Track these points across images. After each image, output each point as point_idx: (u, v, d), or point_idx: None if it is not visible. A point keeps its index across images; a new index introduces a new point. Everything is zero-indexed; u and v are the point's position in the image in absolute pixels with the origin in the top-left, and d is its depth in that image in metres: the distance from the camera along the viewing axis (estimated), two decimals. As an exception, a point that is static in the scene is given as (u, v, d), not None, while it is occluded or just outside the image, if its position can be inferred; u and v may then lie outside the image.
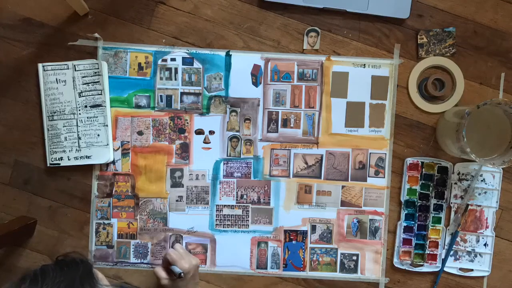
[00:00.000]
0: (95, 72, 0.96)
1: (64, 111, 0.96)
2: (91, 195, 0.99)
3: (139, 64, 0.98)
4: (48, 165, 0.97)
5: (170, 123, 0.99)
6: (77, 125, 0.96)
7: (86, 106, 0.96)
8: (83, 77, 0.96)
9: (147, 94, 0.99)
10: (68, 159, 0.97)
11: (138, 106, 0.99)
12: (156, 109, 0.99)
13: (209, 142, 0.99)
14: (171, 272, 0.90)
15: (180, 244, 0.97)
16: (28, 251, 1.00)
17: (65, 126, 0.96)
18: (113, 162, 0.98)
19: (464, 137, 0.86)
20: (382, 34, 0.99)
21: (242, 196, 0.99)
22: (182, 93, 0.99)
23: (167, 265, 0.91)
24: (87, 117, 0.96)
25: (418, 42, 0.99)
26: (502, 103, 0.89)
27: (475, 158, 0.87)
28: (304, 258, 1.00)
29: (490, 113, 0.94)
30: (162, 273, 0.90)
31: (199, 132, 0.99)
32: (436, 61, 0.99)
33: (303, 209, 1.00)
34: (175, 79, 0.99)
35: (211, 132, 0.99)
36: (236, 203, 0.99)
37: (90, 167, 0.98)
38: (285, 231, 1.00)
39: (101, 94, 0.96)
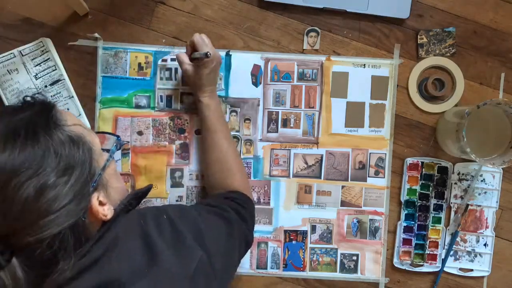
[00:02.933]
0: (42, 51, 0.96)
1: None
2: (91, 195, 0.99)
3: (139, 64, 0.98)
4: None
5: (170, 123, 0.99)
6: None
7: (46, 86, 0.97)
8: (32, 59, 0.96)
9: (147, 94, 0.99)
10: None
11: (138, 106, 0.99)
12: (156, 109, 0.99)
13: (209, 142, 0.99)
14: (194, 59, 0.89)
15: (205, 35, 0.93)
16: (28, 251, 0.99)
17: None
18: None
19: (464, 137, 0.86)
20: (382, 34, 0.99)
21: (242, 196, 0.99)
22: (182, 93, 0.99)
23: (192, 51, 0.90)
24: (51, 96, 0.97)
25: (418, 42, 0.99)
26: (502, 103, 0.89)
27: (475, 158, 0.87)
28: (304, 258, 1.00)
29: (490, 113, 0.94)
30: (185, 58, 0.89)
31: (199, 132, 0.99)
32: (436, 61, 0.99)
33: (303, 209, 1.00)
34: (175, 79, 0.99)
35: (211, 132, 0.99)
36: (236, 203, 0.99)
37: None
38: (285, 231, 1.00)
39: (56, 70, 0.96)
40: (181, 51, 0.93)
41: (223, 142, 0.89)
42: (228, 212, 0.79)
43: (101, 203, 0.61)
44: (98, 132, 0.66)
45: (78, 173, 0.57)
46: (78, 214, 0.56)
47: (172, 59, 0.98)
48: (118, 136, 0.74)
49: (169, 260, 0.60)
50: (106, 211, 0.61)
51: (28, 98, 0.63)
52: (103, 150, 0.68)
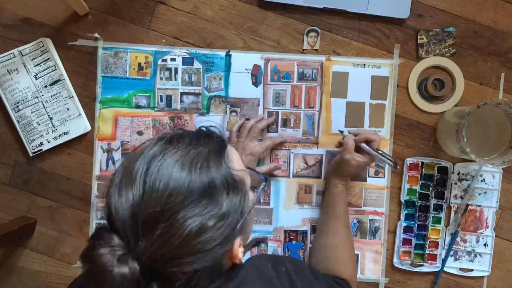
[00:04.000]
0: (42, 51, 0.96)
1: (26, 98, 0.97)
2: (91, 195, 0.99)
3: (139, 64, 0.98)
4: (31, 154, 0.97)
5: (170, 123, 0.99)
6: (44, 107, 0.97)
7: (46, 86, 0.97)
8: (32, 59, 0.97)
9: (147, 94, 0.99)
10: (48, 142, 0.97)
11: (138, 106, 0.99)
12: (156, 109, 0.99)
13: (209, 142, 0.99)
14: (361, 150, 0.91)
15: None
16: (28, 251, 1.00)
17: (33, 111, 0.97)
18: (109, 155, 0.98)
19: (464, 137, 0.86)
20: (382, 34, 0.99)
21: (242, 196, 0.99)
22: (182, 93, 0.99)
23: (361, 143, 0.92)
24: (51, 96, 0.97)
25: (418, 42, 0.99)
26: (502, 103, 0.89)
27: (475, 158, 0.87)
28: (304, 258, 1.00)
29: (490, 113, 0.94)
30: (352, 147, 0.90)
31: (199, 132, 0.99)
32: (436, 61, 0.99)
33: (303, 209, 1.00)
34: (175, 79, 0.99)
35: (211, 132, 0.99)
36: (236, 203, 0.99)
37: (91, 167, 0.98)
38: (285, 231, 1.00)
39: (56, 69, 0.97)
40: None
41: (344, 231, 0.91)
42: None
43: (240, 246, 0.61)
44: (248, 168, 0.67)
45: (231, 220, 0.57)
46: (221, 256, 0.58)
47: (172, 59, 0.98)
48: (264, 177, 0.74)
49: None
50: (241, 255, 0.61)
51: (204, 129, 0.63)
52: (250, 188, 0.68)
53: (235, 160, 0.61)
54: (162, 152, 0.56)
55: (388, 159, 0.90)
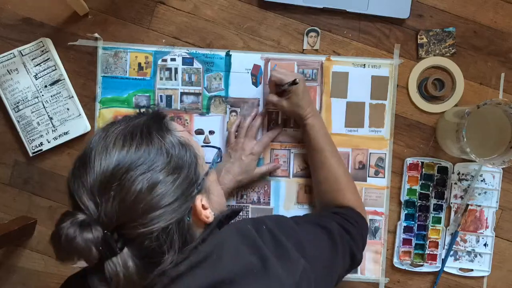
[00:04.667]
0: (42, 51, 0.96)
1: (26, 98, 0.97)
2: (91, 195, 0.99)
3: (139, 64, 0.98)
4: (31, 154, 0.97)
5: (170, 123, 0.99)
6: (44, 107, 0.97)
7: (46, 86, 0.97)
8: (32, 59, 0.97)
9: (147, 94, 0.99)
10: (48, 142, 0.97)
11: (138, 106, 0.99)
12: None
13: (209, 142, 0.99)
14: (284, 90, 0.91)
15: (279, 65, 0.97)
16: (28, 251, 1.00)
17: (33, 111, 0.97)
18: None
19: (464, 137, 0.86)
20: (382, 34, 0.99)
21: (242, 196, 0.99)
22: (182, 93, 0.99)
23: (275, 87, 0.92)
24: (51, 96, 0.97)
25: (418, 42, 0.99)
26: (502, 103, 0.89)
27: (475, 158, 0.87)
28: (304, 258, 1.00)
29: (490, 113, 0.94)
30: (274, 97, 0.92)
31: (199, 132, 0.99)
32: (436, 61, 0.99)
33: (303, 209, 1.00)
34: (175, 79, 0.99)
35: (211, 132, 0.99)
36: (236, 203, 0.99)
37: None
38: (285, 231, 1.00)
39: (56, 69, 0.97)
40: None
41: (332, 160, 0.90)
42: (330, 223, 0.79)
43: (203, 207, 0.64)
44: (202, 146, 0.71)
45: (185, 174, 0.61)
46: (183, 212, 0.60)
47: (172, 59, 0.98)
48: (219, 148, 0.77)
49: (278, 269, 0.62)
50: (209, 214, 0.64)
51: (143, 109, 0.68)
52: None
53: (177, 127, 0.66)
54: (105, 131, 0.61)
55: (289, 83, 0.88)
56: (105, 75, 0.98)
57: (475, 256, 1.00)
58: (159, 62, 0.98)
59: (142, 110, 0.68)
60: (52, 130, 0.97)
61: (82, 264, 0.57)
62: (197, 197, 0.63)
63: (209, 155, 0.70)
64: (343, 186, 0.88)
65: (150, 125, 0.63)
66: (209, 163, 0.71)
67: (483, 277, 1.01)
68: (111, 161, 0.57)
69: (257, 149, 0.94)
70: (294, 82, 0.87)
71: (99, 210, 0.56)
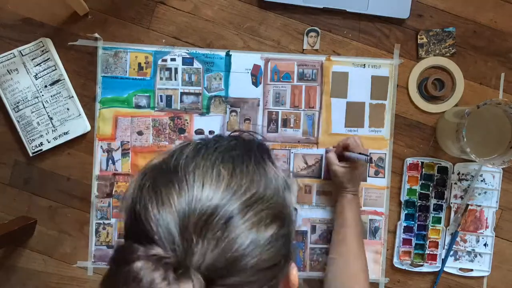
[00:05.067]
0: (43, 51, 0.96)
1: (26, 98, 0.97)
2: (91, 195, 0.99)
3: (139, 64, 0.98)
4: (31, 154, 0.97)
5: (170, 123, 0.99)
6: (44, 107, 0.97)
7: (46, 86, 0.97)
8: (32, 59, 0.97)
9: (147, 94, 0.99)
10: (48, 142, 0.97)
11: (138, 106, 0.99)
12: (156, 109, 0.99)
13: (209, 142, 0.99)
14: (345, 159, 0.91)
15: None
16: (28, 251, 1.00)
17: (33, 111, 0.97)
18: (109, 155, 0.98)
19: (464, 137, 0.86)
20: (382, 34, 0.99)
21: (242, 196, 0.99)
22: (182, 93, 0.99)
23: (342, 151, 0.92)
24: (51, 96, 0.97)
25: (418, 42, 0.99)
26: (502, 103, 0.89)
27: (475, 158, 0.87)
28: (304, 258, 1.00)
29: (490, 113, 0.94)
30: (335, 159, 0.92)
31: (199, 132, 0.99)
32: (436, 61, 0.99)
33: (303, 209, 1.00)
34: (175, 79, 0.99)
35: (211, 132, 0.99)
36: (236, 203, 0.99)
37: (91, 167, 0.98)
38: (285, 231, 1.00)
39: (56, 69, 0.96)
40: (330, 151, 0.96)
41: (355, 240, 0.89)
42: None
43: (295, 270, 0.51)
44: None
45: (288, 230, 0.47)
46: (276, 281, 0.46)
47: (172, 59, 0.98)
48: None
49: None
50: (297, 281, 0.51)
51: (236, 133, 0.54)
52: None
53: (282, 164, 0.56)
54: (203, 147, 0.47)
55: (362, 154, 0.88)
56: (105, 75, 0.98)
57: (475, 256, 1.00)
58: (159, 62, 0.98)
59: (236, 133, 0.54)
60: (52, 130, 0.97)
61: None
62: (291, 261, 0.49)
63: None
64: (359, 269, 0.87)
65: (261, 154, 0.49)
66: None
67: (483, 277, 1.01)
68: (218, 193, 0.43)
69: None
70: (369, 160, 0.86)
71: (194, 250, 0.41)
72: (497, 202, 1.00)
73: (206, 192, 0.43)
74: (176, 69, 0.98)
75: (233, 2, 0.98)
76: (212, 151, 0.47)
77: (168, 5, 0.98)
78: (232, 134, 0.54)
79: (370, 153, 0.98)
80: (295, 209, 0.54)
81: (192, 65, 0.99)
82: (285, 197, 0.48)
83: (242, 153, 0.48)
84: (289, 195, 0.49)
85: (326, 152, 0.97)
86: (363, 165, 0.91)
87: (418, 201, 0.99)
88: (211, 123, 0.99)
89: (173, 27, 0.98)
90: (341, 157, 0.93)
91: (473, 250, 1.00)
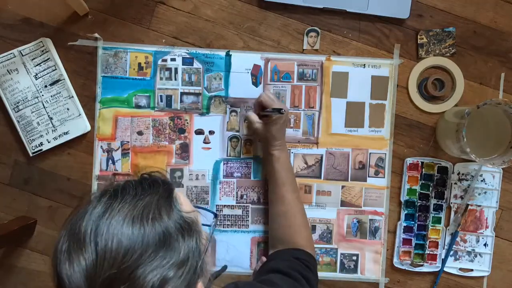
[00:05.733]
0: (42, 51, 0.96)
1: (26, 98, 0.97)
2: (91, 195, 0.99)
3: (139, 64, 0.98)
4: (31, 154, 0.97)
5: (170, 123, 0.99)
6: (44, 107, 0.97)
7: (46, 86, 0.97)
8: (32, 59, 0.97)
9: (147, 94, 0.99)
10: (48, 142, 0.97)
11: (138, 106, 0.99)
12: (156, 109, 0.99)
13: (209, 142, 0.99)
14: (263, 116, 0.91)
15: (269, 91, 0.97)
16: (28, 251, 1.00)
17: (33, 111, 0.97)
18: (109, 155, 0.98)
19: (464, 137, 0.86)
20: (382, 34, 0.99)
21: (242, 196, 0.99)
22: (182, 93, 0.99)
23: (260, 110, 0.93)
24: (51, 96, 0.97)
25: (418, 42, 0.99)
26: (502, 103, 0.89)
27: (475, 158, 0.87)
28: (304, 258, 1.00)
29: (490, 113, 0.94)
30: (255, 117, 0.92)
31: (199, 132, 0.99)
32: (436, 61, 0.99)
33: (303, 209, 1.00)
34: (175, 79, 0.99)
35: (211, 132, 0.99)
36: (236, 203, 0.99)
37: (91, 167, 0.98)
38: (285, 231, 1.00)
39: (56, 69, 0.97)
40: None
41: (292, 196, 0.91)
42: (300, 282, 0.80)
43: None
44: (196, 207, 0.66)
45: (190, 265, 0.55)
46: None
47: (172, 59, 0.98)
48: (215, 214, 0.74)
49: None
50: None
51: (147, 176, 0.61)
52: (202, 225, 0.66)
53: (184, 203, 0.60)
54: (108, 209, 0.54)
55: (275, 109, 0.88)
56: (105, 75, 0.98)
57: (475, 256, 1.00)
58: (159, 62, 0.98)
59: (145, 176, 0.61)
60: (52, 130, 0.97)
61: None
62: (198, 283, 0.57)
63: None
64: (299, 224, 0.90)
65: (160, 206, 0.56)
66: (206, 225, 0.67)
67: (483, 277, 1.01)
68: (119, 251, 0.51)
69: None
70: (280, 112, 0.87)
71: None
72: (497, 202, 1.00)
73: (109, 253, 0.50)
74: (176, 69, 0.98)
75: (233, 2, 0.98)
76: (116, 212, 0.53)
77: (168, 5, 0.98)
78: (142, 176, 0.61)
79: (309, 110, 0.98)
80: (215, 215, 0.68)
81: (192, 65, 0.99)
82: (190, 244, 0.55)
83: (145, 206, 0.54)
84: (191, 239, 0.56)
85: (246, 112, 0.96)
86: (280, 118, 0.89)
87: (418, 201, 0.99)
88: (211, 123, 0.99)
89: (173, 27, 0.98)
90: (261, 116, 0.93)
91: (473, 250, 1.00)
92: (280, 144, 0.92)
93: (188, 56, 0.98)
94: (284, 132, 0.94)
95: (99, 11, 0.98)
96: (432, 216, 0.99)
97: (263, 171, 0.99)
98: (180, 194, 0.62)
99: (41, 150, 0.97)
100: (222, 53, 0.98)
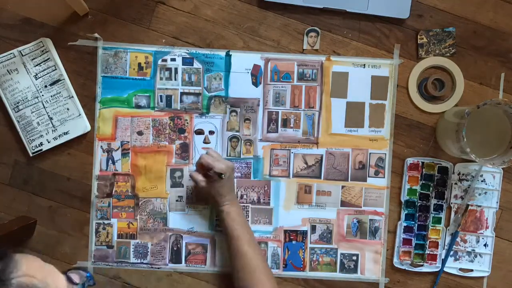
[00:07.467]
0: (42, 51, 0.96)
1: (26, 98, 0.97)
2: (91, 195, 0.99)
3: (139, 64, 0.98)
4: (31, 154, 0.97)
5: (170, 123, 0.99)
6: (44, 107, 0.97)
7: (46, 86, 0.97)
8: (32, 59, 0.97)
9: (147, 94, 0.99)
10: (48, 142, 0.97)
11: (138, 106, 0.99)
12: (156, 109, 0.99)
13: (209, 142, 0.99)
14: (208, 176, 0.91)
15: (213, 149, 0.97)
16: (28, 251, 1.00)
17: (33, 111, 0.97)
18: (109, 155, 0.99)
19: (464, 137, 0.86)
20: (382, 34, 0.99)
21: (242, 196, 0.99)
22: (182, 93, 0.99)
23: (202, 169, 0.92)
24: (51, 96, 0.97)
25: (418, 42, 0.99)
26: (502, 103, 0.89)
27: (475, 158, 0.87)
28: (304, 258, 1.00)
29: (490, 113, 0.94)
30: (199, 176, 0.92)
31: (199, 132, 0.99)
32: (436, 61, 0.99)
33: (303, 209, 1.00)
34: (175, 79, 0.99)
35: (211, 132, 0.99)
36: (236, 203, 0.99)
37: (91, 167, 0.98)
38: (285, 231, 1.00)
39: (56, 69, 0.97)
40: (193, 170, 0.96)
41: (248, 249, 0.90)
42: None
43: None
44: (70, 269, 0.68)
45: None
46: None
47: (172, 59, 0.98)
48: (88, 273, 0.77)
49: None
50: None
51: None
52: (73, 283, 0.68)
53: (19, 268, 0.60)
54: None
55: (214, 172, 0.89)
56: (105, 75, 0.98)
57: (475, 256, 1.00)
58: (159, 62, 0.98)
59: None
60: (52, 130, 0.97)
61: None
62: None
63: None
64: (258, 277, 0.88)
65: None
66: (75, 283, 0.68)
67: (483, 277, 1.01)
68: None
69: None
70: (220, 176, 0.88)
71: None
72: (497, 202, 1.00)
73: None
74: (176, 69, 0.98)
75: (233, 2, 0.98)
76: None
77: (168, 5, 0.98)
78: None
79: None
80: (91, 278, 0.75)
81: (192, 65, 0.99)
82: None
83: None
84: None
85: (190, 172, 0.96)
86: (222, 178, 0.90)
87: (419, 201, 0.99)
88: (211, 123, 0.99)
89: (173, 27, 0.98)
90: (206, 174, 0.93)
91: (473, 250, 1.00)
92: (229, 199, 0.92)
93: (188, 56, 0.98)
94: (232, 186, 0.94)
95: (99, 11, 0.98)
96: (432, 216, 0.99)
97: (215, 223, 0.99)
98: (22, 258, 0.61)
99: (41, 150, 0.97)
100: (222, 53, 0.98)
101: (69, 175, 0.99)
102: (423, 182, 0.99)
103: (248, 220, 0.99)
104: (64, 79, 0.97)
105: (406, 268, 1.00)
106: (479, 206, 1.00)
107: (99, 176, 0.99)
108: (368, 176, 1.00)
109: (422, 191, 0.99)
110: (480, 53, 1.00)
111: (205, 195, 0.95)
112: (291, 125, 0.99)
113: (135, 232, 0.99)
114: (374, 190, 1.00)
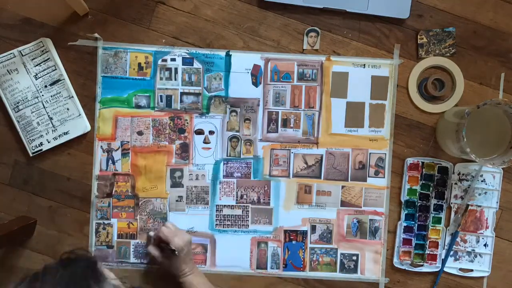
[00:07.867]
0: (42, 51, 0.96)
1: (26, 98, 0.97)
2: (91, 195, 0.99)
3: (139, 64, 0.98)
4: (31, 154, 0.97)
5: (170, 123, 0.99)
6: (44, 107, 0.97)
7: (46, 86, 0.97)
8: (32, 59, 0.97)
9: (147, 94, 0.99)
10: (48, 142, 0.97)
11: (138, 106, 0.99)
12: (156, 109, 0.99)
13: (209, 142, 0.99)
14: (165, 249, 0.91)
15: (171, 222, 0.97)
16: (28, 251, 1.00)
17: (33, 111, 0.97)
18: (109, 155, 0.99)
19: (464, 137, 0.86)
20: (382, 34, 0.99)
21: (242, 196, 0.99)
22: (182, 93, 0.99)
23: (160, 242, 0.93)
24: (51, 96, 0.97)
25: (418, 42, 0.99)
26: (502, 103, 0.89)
27: (475, 158, 0.87)
28: (304, 258, 1.00)
29: (490, 113, 0.94)
30: (156, 252, 0.93)
31: (199, 132, 0.99)
32: (436, 61, 0.99)
33: (303, 209, 1.00)
34: (175, 79, 0.99)
35: (211, 132, 0.99)
36: (236, 203, 0.99)
37: (91, 167, 0.98)
38: (285, 231, 1.00)
39: (56, 69, 0.97)
40: (150, 245, 0.95)
41: None
42: None
43: None
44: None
45: None
46: None
47: (172, 59, 0.98)
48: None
49: None
50: None
51: (66, 256, 0.63)
52: None
53: (111, 275, 0.63)
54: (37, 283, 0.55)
55: (168, 248, 0.90)
56: (105, 75, 0.98)
57: (475, 256, 1.00)
58: (159, 62, 0.98)
59: (64, 256, 0.63)
60: (52, 130, 0.97)
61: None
62: None
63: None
64: None
65: (87, 277, 0.58)
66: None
67: (483, 277, 1.01)
68: None
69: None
70: (173, 253, 0.88)
71: None
72: (497, 202, 1.00)
73: None
74: (176, 69, 0.98)
75: (233, 2, 0.98)
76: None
77: (168, 5, 0.98)
78: (61, 259, 0.61)
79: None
80: None
81: (192, 65, 0.99)
82: None
83: (68, 284, 0.56)
84: None
85: (146, 246, 0.97)
86: (181, 251, 0.90)
87: (419, 201, 0.99)
88: (211, 123, 0.99)
89: (173, 27, 0.98)
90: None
91: (473, 250, 1.00)
92: (189, 270, 0.92)
93: (188, 56, 0.98)
94: (191, 257, 0.94)
95: (99, 11, 0.98)
96: (432, 216, 0.99)
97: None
98: (103, 268, 0.64)
99: (41, 150, 0.97)
100: (222, 53, 0.98)
101: (69, 175, 0.99)
102: (423, 182, 0.99)
103: (248, 220, 0.99)
104: (64, 79, 0.97)
105: (406, 268, 1.00)
106: (479, 206, 1.00)
107: (99, 176, 0.99)
108: (368, 176, 1.00)
109: (422, 191, 0.99)
110: (480, 53, 1.00)
111: (168, 268, 0.93)
112: (291, 125, 0.99)
113: (135, 232, 0.99)
114: (374, 190, 1.00)
